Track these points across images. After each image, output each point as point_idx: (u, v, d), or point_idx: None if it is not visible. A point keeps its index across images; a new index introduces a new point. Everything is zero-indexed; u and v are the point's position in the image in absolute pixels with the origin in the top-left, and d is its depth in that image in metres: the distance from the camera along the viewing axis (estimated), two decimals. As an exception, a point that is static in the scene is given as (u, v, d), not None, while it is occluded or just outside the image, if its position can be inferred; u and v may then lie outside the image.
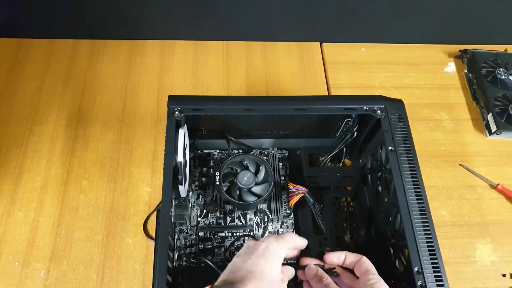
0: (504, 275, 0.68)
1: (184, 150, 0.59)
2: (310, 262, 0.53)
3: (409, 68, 0.89)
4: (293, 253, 0.55)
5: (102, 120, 0.77)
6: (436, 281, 0.50)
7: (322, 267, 0.53)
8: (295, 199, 0.66)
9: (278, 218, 0.67)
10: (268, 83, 0.85)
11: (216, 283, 0.45)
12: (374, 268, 0.51)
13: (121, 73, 0.83)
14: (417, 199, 0.55)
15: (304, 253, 0.63)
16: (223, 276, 0.46)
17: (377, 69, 0.88)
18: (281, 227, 0.66)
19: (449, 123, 0.82)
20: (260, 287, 0.44)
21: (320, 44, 0.91)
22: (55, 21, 0.84)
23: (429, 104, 0.84)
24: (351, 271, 0.53)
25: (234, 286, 0.43)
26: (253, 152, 0.71)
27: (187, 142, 0.63)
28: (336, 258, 0.53)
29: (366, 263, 0.51)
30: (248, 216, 0.67)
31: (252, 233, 0.65)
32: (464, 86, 0.88)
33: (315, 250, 0.65)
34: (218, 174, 0.63)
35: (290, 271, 0.52)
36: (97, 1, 0.79)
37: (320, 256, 0.54)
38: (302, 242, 0.54)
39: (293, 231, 0.66)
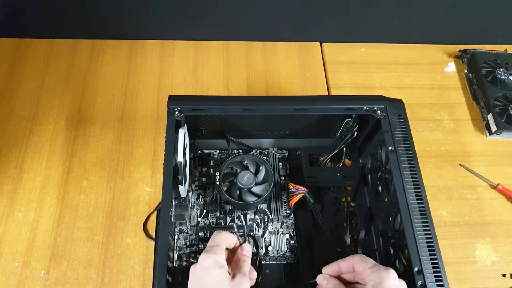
0: (504, 275, 0.68)
1: (184, 150, 0.59)
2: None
3: (409, 68, 0.89)
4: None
5: (102, 120, 0.77)
6: (436, 281, 0.50)
7: None
8: (295, 199, 0.66)
9: (278, 218, 0.67)
10: (268, 83, 0.85)
11: None
12: (369, 259, 0.51)
13: (121, 73, 0.83)
14: (417, 199, 0.55)
15: (303, 253, 0.64)
16: None
17: (377, 69, 0.88)
18: (281, 227, 0.66)
19: (449, 123, 0.82)
20: None
21: (320, 44, 0.91)
22: (55, 21, 0.84)
23: (429, 104, 0.84)
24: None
25: None
26: (253, 152, 0.71)
27: (187, 142, 0.63)
28: (332, 271, 0.54)
29: (358, 259, 0.52)
30: (248, 216, 0.67)
31: (252, 233, 0.65)
32: (464, 86, 0.88)
33: (315, 250, 0.65)
34: (218, 174, 0.63)
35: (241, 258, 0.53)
36: (97, 1, 0.79)
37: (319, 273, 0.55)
38: (232, 239, 0.54)
39: (293, 231, 0.66)
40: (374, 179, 0.67)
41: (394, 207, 0.57)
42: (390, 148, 0.59)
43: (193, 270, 0.49)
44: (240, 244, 0.55)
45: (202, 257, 0.49)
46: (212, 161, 0.71)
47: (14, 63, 0.82)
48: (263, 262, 0.63)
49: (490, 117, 0.80)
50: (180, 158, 0.57)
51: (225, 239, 0.52)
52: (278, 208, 0.67)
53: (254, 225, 0.66)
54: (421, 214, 0.54)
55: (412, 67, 0.89)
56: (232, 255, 0.54)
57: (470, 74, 0.88)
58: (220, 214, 0.67)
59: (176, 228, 0.64)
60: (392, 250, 0.59)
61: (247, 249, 0.55)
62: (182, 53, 0.87)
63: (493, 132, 0.79)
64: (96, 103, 0.79)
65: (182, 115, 0.59)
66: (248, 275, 0.51)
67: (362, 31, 0.90)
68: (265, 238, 0.65)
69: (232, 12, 0.84)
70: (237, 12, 0.84)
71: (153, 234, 0.67)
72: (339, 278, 0.54)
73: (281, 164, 0.72)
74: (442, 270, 0.51)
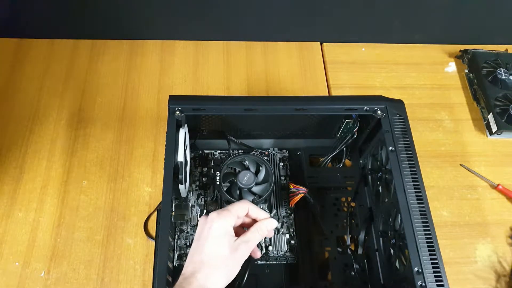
0: (505, 276, 0.67)
1: (185, 149, 0.59)
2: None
3: (410, 68, 0.89)
4: (244, 220, 0.55)
5: (102, 120, 0.77)
6: (436, 281, 0.50)
7: None
8: (296, 199, 0.66)
9: (278, 218, 0.67)
10: (268, 83, 0.85)
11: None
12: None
13: (121, 73, 0.83)
14: (417, 200, 0.55)
15: (303, 253, 0.63)
16: (184, 268, 0.48)
17: (377, 69, 0.88)
18: (281, 227, 0.66)
19: (450, 123, 0.82)
20: (210, 271, 0.47)
21: (321, 44, 0.91)
22: (55, 21, 0.84)
23: (430, 104, 0.84)
24: None
25: None
26: (253, 152, 0.71)
27: (187, 142, 0.63)
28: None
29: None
30: (249, 216, 0.67)
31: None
32: (464, 86, 0.88)
33: (315, 250, 0.65)
34: (219, 174, 0.63)
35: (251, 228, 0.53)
36: (97, 1, 0.79)
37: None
38: (254, 211, 0.54)
39: (293, 231, 0.66)
40: (375, 180, 0.67)
41: (394, 207, 0.57)
42: (390, 148, 0.59)
43: (202, 224, 0.51)
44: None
45: (215, 213, 0.50)
46: (212, 161, 0.71)
47: (14, 63, 0.82)
48: (263, 262, 0.63)
49: (490, 117, 0.80)
50: (180, 157, 0.57)
51: (241, 208, 0.53)
52: (278, 208, 0.67)
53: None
54: (421, 214, 0.54)
55: (412, 67, 0.89)
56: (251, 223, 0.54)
57: (471, 74, 0.87)
58: (221, 214, 0.66)
59: (176, 228, 0.64)
60: (392, 251, 0.59)
61: (269, 224, 0.54)
62: (182, 53, 0.87)
63: (493, 132, 0.79)
64: (96, 103, 0.79)
65: (182, 115, 0.59)
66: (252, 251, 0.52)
67: (362, 31, 0.90)
68: (265, 238, 0.65)
69: (232, 12, 0.84)
70: (237, 12, 0.84)
71: (154, 234, 0.66)
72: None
73: (281, 164, 0.72)
74: (442, 270, 0.51)
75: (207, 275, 0.46)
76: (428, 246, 0.52)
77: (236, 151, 0.72)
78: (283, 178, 0.71)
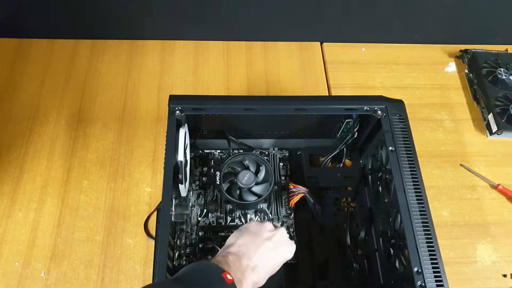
0: (505, 276, 0.67)
1: (185, 149, 0.59)
2: None
3: (410, 68, 0.89)
4: None
5: (102, 120, 0.77)
6: (436, 281, 0.50)
7: None
8: (296, 199, 0.66)
9: (278, 218, 0.67)
10: (268, 83, 0.85)
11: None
12: None
13: (122, 73, 0.83)
14: (417, 200, 0.55)
15: (303, 253, 0.63)
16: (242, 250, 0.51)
17: (378, 69, 0.88)
18: (281, 227, 0.66)
19: (450, 123, 0.82)
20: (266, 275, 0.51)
21: (321, 44, 0.91)
22: (55, 21, 0.84)
23: (430, 104, 0.84)
24: None
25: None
26: (253, 152, 0.71)
27: (187, 141, 0.63)
28: None
29: None
30: (248, 216, 0.67)
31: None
32: (464, 86, 0.88)
33: (315, 250, 0.65)
34: (219, 174, 0.63)
35: None
36: (97, 1, 0.80)
37: None
38: None
39: (293, 231, 0.66)
40: (375, 180, 0.67)
41: (394, 207, 0.57)
42: (390, 148, 0.59)
43: (277, 232, 0.55)
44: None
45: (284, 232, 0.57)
46: (212, 160, 0.71)
47: (14, 63, 0.82)
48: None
49: (490, 117, 0.80)
50: (180, 157, 0.57)
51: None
52: (278, 208, 0.67)
53: (254, 225, 0.66)
54: (421, 214, 0.54)
55: (412, 67, 0.89)
56: None
57: (471, 74, 0.87)
58: (220, 213, 0.66)
59: (176, 228, 0.64)
60: (392, 251, 0.59)
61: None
62: (182, 53, 0.87)
63: (493, 132, 0.79)
64: (96, 103, 0.79)
65: (182, 114, 0.59)
66: None
67: (362, 31, 0.90)
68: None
69: (232, 12, 0.84)
70: (237, 12, 0.84)
71: (154, 234, 0.66)
72: None
73: (281, 164, 0.72)
74: (442, 270, 0.51)
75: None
76: (428, 246, 0.52)
77: (236, 151, 0.72)
78: (283, 178, 0.71)
